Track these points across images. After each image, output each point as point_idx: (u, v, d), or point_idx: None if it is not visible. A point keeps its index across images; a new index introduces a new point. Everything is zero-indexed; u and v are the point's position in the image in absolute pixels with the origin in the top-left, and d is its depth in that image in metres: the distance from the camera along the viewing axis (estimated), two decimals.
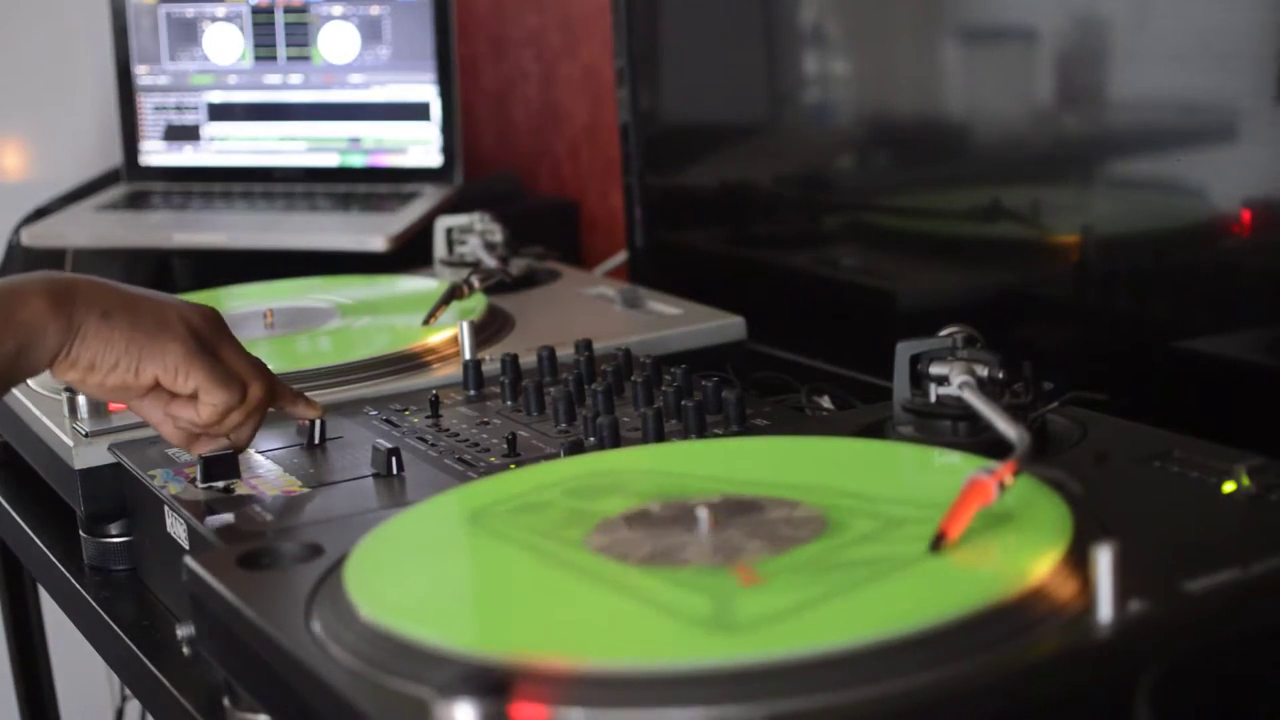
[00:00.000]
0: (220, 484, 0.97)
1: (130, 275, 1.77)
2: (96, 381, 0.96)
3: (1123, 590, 0.66)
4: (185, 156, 2.04)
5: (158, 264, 1.82)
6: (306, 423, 1.04)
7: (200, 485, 0.96)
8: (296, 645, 0.70)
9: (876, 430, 0.94)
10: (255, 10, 2.00)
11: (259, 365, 1.01)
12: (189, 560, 0.83)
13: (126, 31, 2.05)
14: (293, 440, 1.05)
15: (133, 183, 2.03)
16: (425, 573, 0.78)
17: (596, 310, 1.38)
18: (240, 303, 1.42)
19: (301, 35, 1.99)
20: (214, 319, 0.99)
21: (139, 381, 0.96)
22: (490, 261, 1.47)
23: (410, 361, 1.21)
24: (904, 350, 0.93)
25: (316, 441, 1.04)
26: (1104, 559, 0.65)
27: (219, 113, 2.03)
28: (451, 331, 1.24)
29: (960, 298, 1.39)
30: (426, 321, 1.28)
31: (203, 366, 0.96)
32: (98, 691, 2.10)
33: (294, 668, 0.70)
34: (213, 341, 0.98)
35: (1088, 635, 0.65)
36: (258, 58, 2.01)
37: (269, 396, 1.01)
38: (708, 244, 1.70)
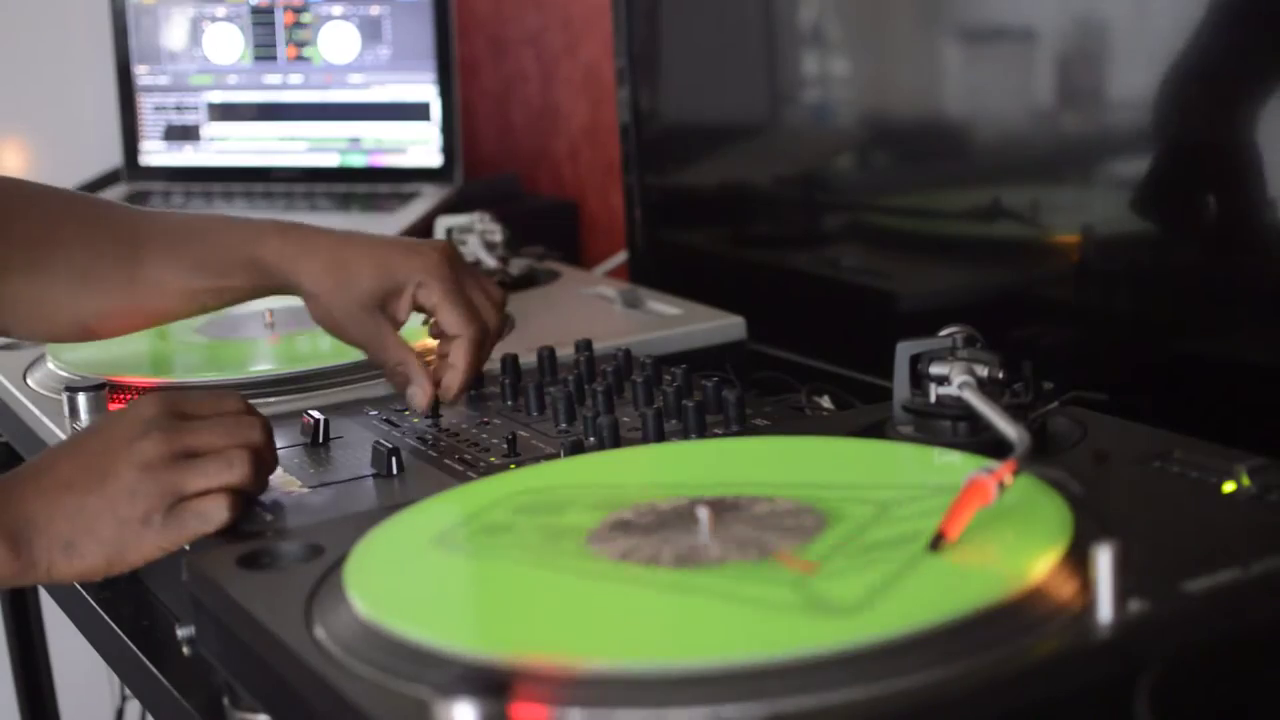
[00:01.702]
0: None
1: None
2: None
3: (1123, 590, 0.66)
4: (185, 156, 2.04)
5: None
6: (310, 421, 1.04)
7: None
8: (296, 645, 0.70)
9: (876, 430, 0.94)
10: (255, 10, 2.00)
11: (229, 455, 0.91)
12: (189, 560, 0.83)
13: (126, 31, 2.05)
14: (293, 440, 1.05)
15: (133, 183, 2.04)
16: (425, 573, 0.78)
17: (596, 310, 1.38)
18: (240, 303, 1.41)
19: (301, 35, 1.99)
20: (164, 460, 0.90)
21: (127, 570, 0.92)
22: (490, 261, 1.47)
23: None
24: (904, 350, 0.93)
25: (320, 440, 1.04)
26: (1104, 559, 0.65)
27: (219, 113, 2.03)
28: None
29: (960, 298, 1.39)
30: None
31: (179, 536, 0.90)
32: (98, 691, 2.11)
33: (294, 668, 0.70)
34: (179, 483, 0.90)
35: (1088, 635, 0.65)
36: (258, 58, 2.01)
37: (256, 461, 0.93)
38: (708, 244, 1.70)
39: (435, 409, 1.09)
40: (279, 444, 1.03)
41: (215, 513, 0.89)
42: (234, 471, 0.90)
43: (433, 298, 1.07)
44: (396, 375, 1.09)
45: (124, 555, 0.89)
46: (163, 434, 0.90)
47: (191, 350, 1.31)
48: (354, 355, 1.21)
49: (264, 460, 0.93)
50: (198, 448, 0.90)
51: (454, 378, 1.08)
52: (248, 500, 0.92)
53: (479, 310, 1.09)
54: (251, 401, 0.97)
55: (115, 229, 1.12)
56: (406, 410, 1.10)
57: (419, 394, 1.08)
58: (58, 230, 1.11)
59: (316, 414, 1.05)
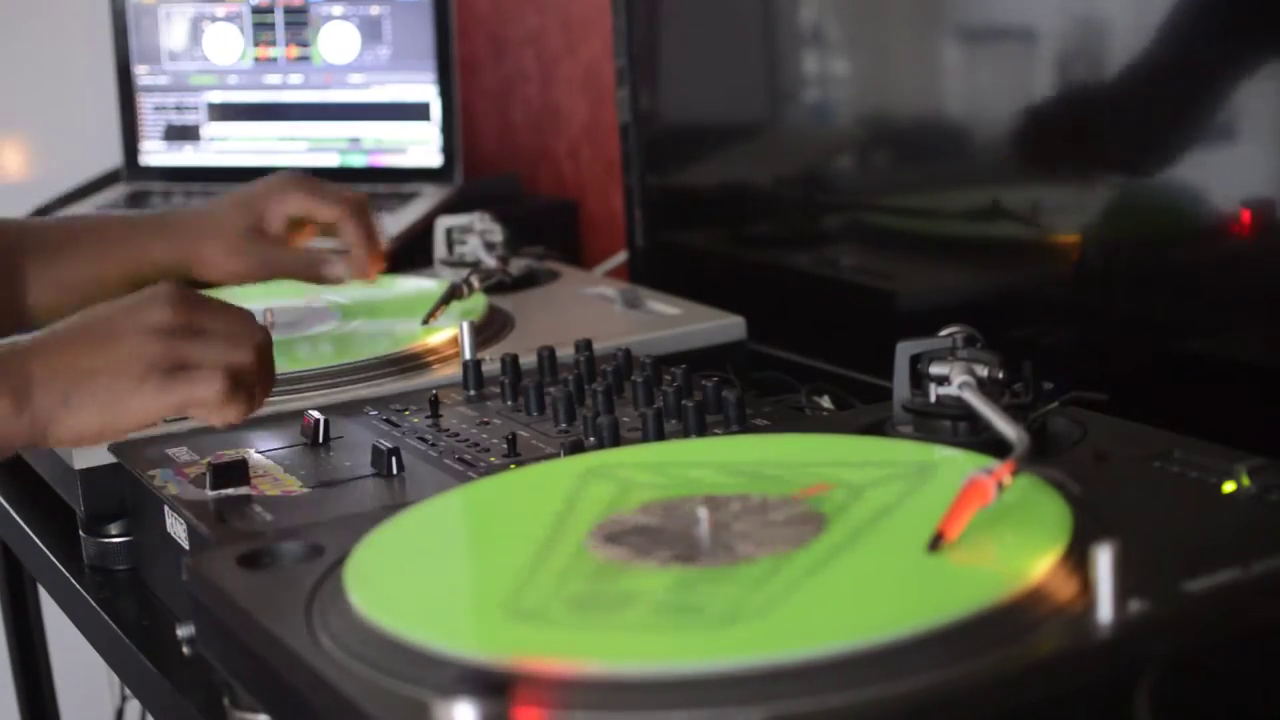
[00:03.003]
0: (230, 491, 0.96)
1: None
2: (91, 446, 0.97)
3: (1123, 590, 0.66)
4: (185, 156, 2.04)
5: None
6: (310, 421, 1.04)
7: (210, 492, 0.96)
8: (297, 645, 0.70)
9: (876, 430, 0.94)
10: (255, 10, 2.00)
11: (236, 337, 0.94)
12: (189, 560, 0.83)
13: (126, 31, 2.05)
14: (293, 440, 1.05)
15: (133, 183, 2.04)
16: (425, 573, 0.78)
17: (596, 310, 1.38)
18: (241, 303, 1.41)
19: (301, 35, 1.99)
20: (171, 327, 0.91)
21: (134, 432, 0.95)
22: (490, 261, 1.47)
23: (410, 362, 1.21)
24: (904, 350, 0.94)
25: (320, 440, 1.04)
26: (1104, 559, 0.65)
27: (219, 113, 2.03)
28: (451, 331, 1.24)
29: (960, 298, 1.39)
30: (426, 321, 1.28)
31: (173, 400, 0.91)
32: (98, 691, 2.11)
33: (294, 668, 0.70)
34: (180, 352, 0.91)
35: (1088, 635, 0.65)
36: (258, 58, 2.01)
37: (258, 357, 0.95)
38: (708, 244, 1.70)
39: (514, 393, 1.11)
40: (279, 445, 1.04)
41: (210, 384, 0.90)
42: (236, 353, 0.92)
43: (299, 202, 1.21)
44: (311, 269, 1.20)
45: (118, 414, 0.90)
46: (174, 307, 0.92)
47: None
48: (354, 356, 1.21)
49: (265, 365, 0.95)
50: (205, 326, 0.92)
51: (360, 252, 1.21)
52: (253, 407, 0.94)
53: (340, 191, 1.21)
54: None
55: (5, 238, 1.18)
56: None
57: (335, 267, 1.20)
58: None
59: (316, 414, 1.05)
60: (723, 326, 1.30)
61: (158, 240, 1.21)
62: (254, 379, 0.93)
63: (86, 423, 0.90)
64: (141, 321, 0.91)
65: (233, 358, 0.92)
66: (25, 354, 0.91)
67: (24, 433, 0.90)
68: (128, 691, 1.87)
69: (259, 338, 0.94)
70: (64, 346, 0.92)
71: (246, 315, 0.96)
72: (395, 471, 0.98)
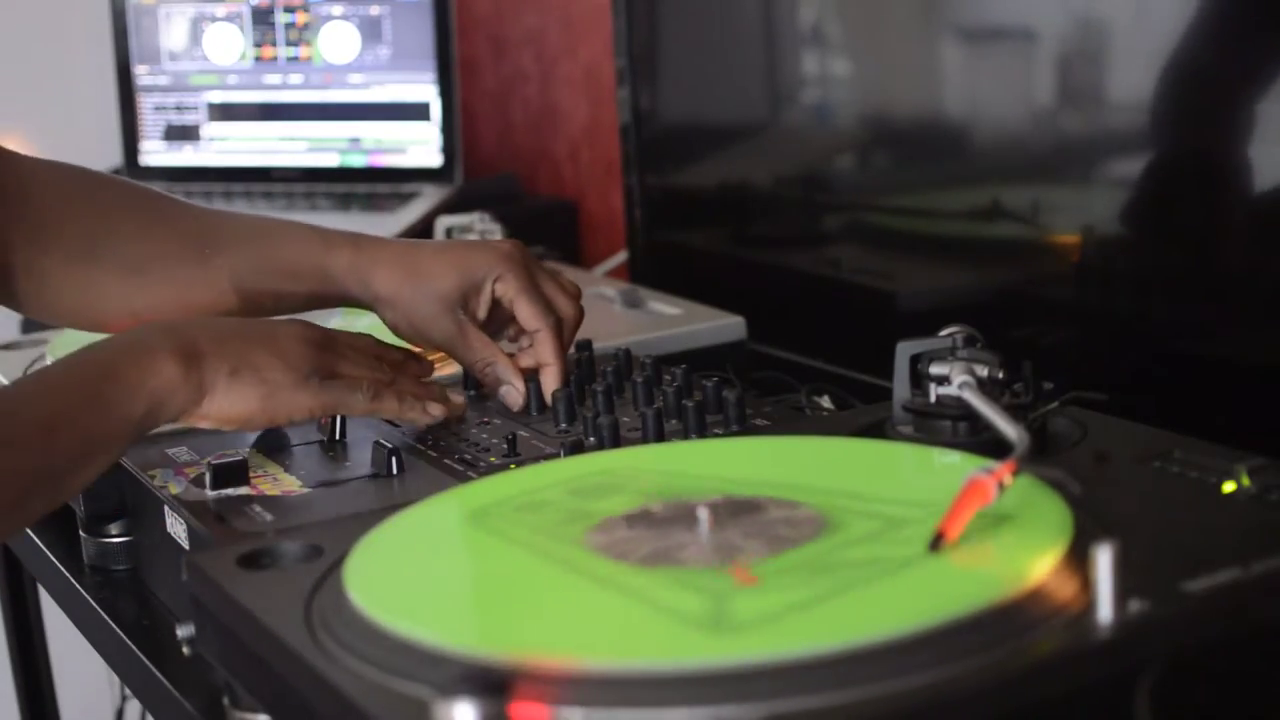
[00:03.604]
0: (230, 491, 0.96)
1: None
2: (229, 429, 0.99)
3: (1123, 590, 0.66)
4: (185, 156, 2.04)
5: None
6: (325, 420, 1.04)
7: (210, 492, 0.96)
8: (297, 645, 0.70)
9: (876, 430, 0.94)
10: (255, 10, 2.00)
11: (374, 356, 1.04)
12: (189, 560, 0.83)
13: (126, 31, 2.05)
14: (307, 437, 1.05)
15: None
16: (425, 573, 0.78)
17: (596, 310, 1.37)
18: None
19: (301, 35, 1.99)
20: (323, 342, 1.01)
21: (273, 424, 1.00)
22: None
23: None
24: (904, 350, 0.93)
25: (338, 437, 1.04)
26: (1104, 559, 0.65)
27: (219, 113, 2.03)
28: None
29: (960, 298, 1.39)
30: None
31: (329, 399, 0.99)
32: (98, 691, 2.10)
33: (294, 668, 0.70)
34: (331, 364, 1.00)
35: (1088, 635, 0.65)
36: (258, 58, 2.01)
37: (396, 371, 1.05)
38: (708, 244, 1.70)
39: (539, 408, 1.09)
40: (292, 440, 1.04)
41: (355, 392, 1.00)
42: (376, 367, 1.03)
43: (510, 290, 1.10)
44: (485, 375, 1.11)
45: (276, 400, 0.97)
46: (322, 331, 1.02)
47: None
48: None
49: (413, 378, 1.06)
50: (346, 354, 1.02)
51: (549, 374, 1.10)
52: (413, 405, 1.03)
53: (554, 301, 1.12)
54: None
55: (179, 224, 1.13)
56: (491, 401, 1.12)
57: (513, 392, 1.10)
58: (117, 221, 1.12)
59: (457, 397, 1.06)
60: (723, 326, 1.30)
61: (350, 277, 1.12)
62: (394, 388, 1.03)
63: (245, 401, 0.96)
64: (301, 333, 1.00)
65: (372, 372, 1.02)
66: (190, 325, 0.98)
67: (187, 397, 0.94)
68: (128, 691, 1.87)
69: (394, 357, 1.06)
70: (233, 333, 0.98)
71: (379, 343, 1.07)
72: (395, 471, 0.98)
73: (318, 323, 1.04)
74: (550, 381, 1.10)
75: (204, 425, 0.97)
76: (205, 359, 0.95)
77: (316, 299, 1.13)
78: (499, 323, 1.13)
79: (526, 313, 1.10)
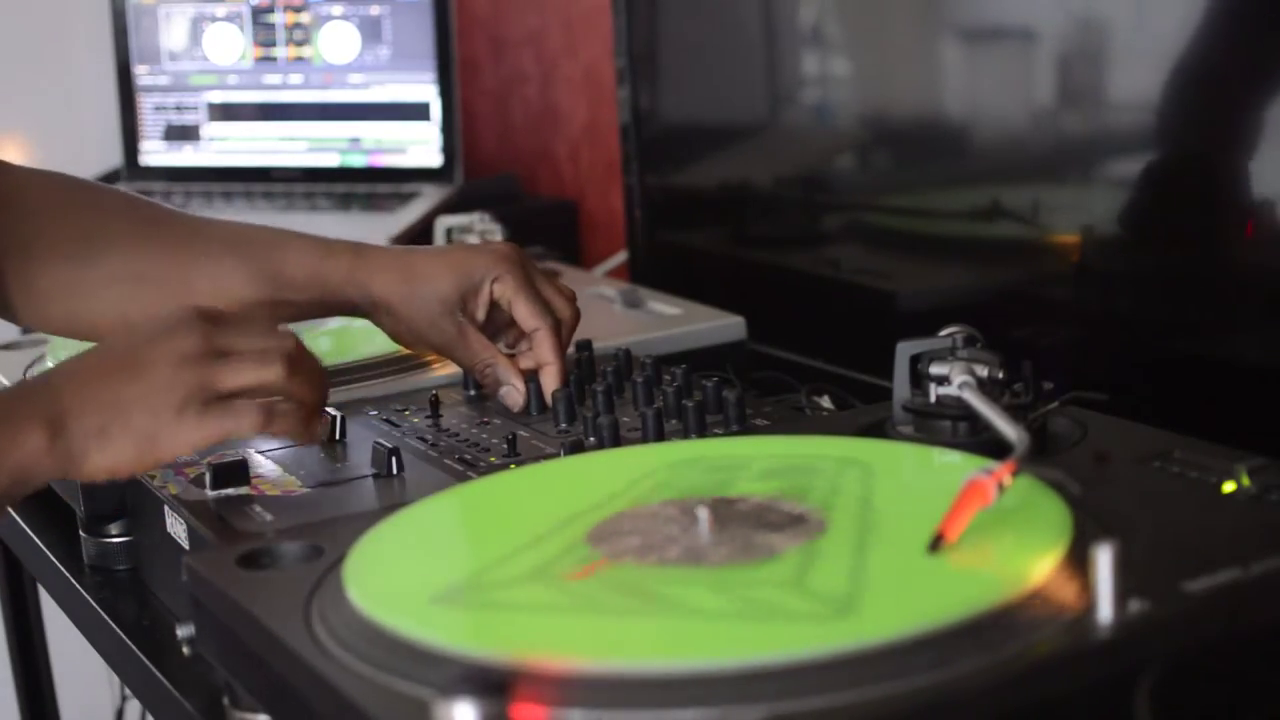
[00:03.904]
0: (230, 491, 0.96)
1: None
2: (120, 479, 0.93)
3: (1123, 590, 0.66)
4: (185, 156, 2.04)
5: None
6: (326, 419, 1.03)
7: (210, 492, 0.96)
8: (297, 645, 0.70)
9: (876, 430, 0.94)
10: (255, 10, 2.00)
11: (265, 356, 0.92)
12: (189, 560, 0.83)
13: (126, 31, 2.05)
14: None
15: (133, 183, 2.04)
16: (425, 573, 0.78)
17: (596, 310, 1.37)
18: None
19: (301, 35, 1.99)
20: (200, 355, 0.90)
21: (168, 464, 0.94)
22: None
23: (410, 361, 1.21)
24: (904, 350, 0.93)
25: (337, 438, 1.04)
26: (1104, 559, 0.65)
27: (219, 113, 2.03)
28: None
29: (960, 298, 1.39)
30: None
31: (212, 431, 0.90)
32: (98, 691, 2.11)
33: (294, 668, 0.70)
34: (212, 381, 0.90)
35: (1088, 635, 0.65)
36: (258, 58, 2.01)
37: (290, 373, 0.92)
38: (708, 244, 1.70)
39: (539, 408, 1.09)
40: (279, 445, 1.03)
41: (247, 412, 0.89)
42: (268, 370, 0.90)
43: (508, 290, 1.10)
44: (486, 376, 1.11)
45: (155, 446, 0.88)
46: (199, 333, 0.90)
47: None
48: (354, 355, 1.21)
49: (305, 367, 0.92)
50: (232, 348, 0.90)
51: (550, 374, 1.10)
52: (308, 417, 0.92)
53: (551, 302, 1.12)
54: None
55: (173, 232, 1.13)
56: (487, 397, 1.12)
57: (514, 393, 1.09)
58: (111, 229, 1.11)
59: (332, 411, 1.05)
60: (723, 326, 1.30)
61: (350, 284, 1.11)
62: (295, 392, 0.92)
63: (122, 456, 0.89)
64: (171, 350, 0.89)
65: (265, 377, 0.90)
66: (57, 384, 0.90)
67: (56, 466, 0.88)
68: (128, 691, 1.87)
69: (288, 347, 0.92)
70: (96, 377, 0.90)
71: (271, 328, 0.94)
72: (395, 471, 0.98)
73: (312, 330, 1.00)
74: (550, 381, 1.09)
75: (97, 480, 0.92)
76: (69, 422, 0.88)
77: (316, 307, 1.12)
78: (497, 326, 1.13)
79: (525, 312, 1.10)
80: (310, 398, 0.93)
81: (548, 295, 1.12)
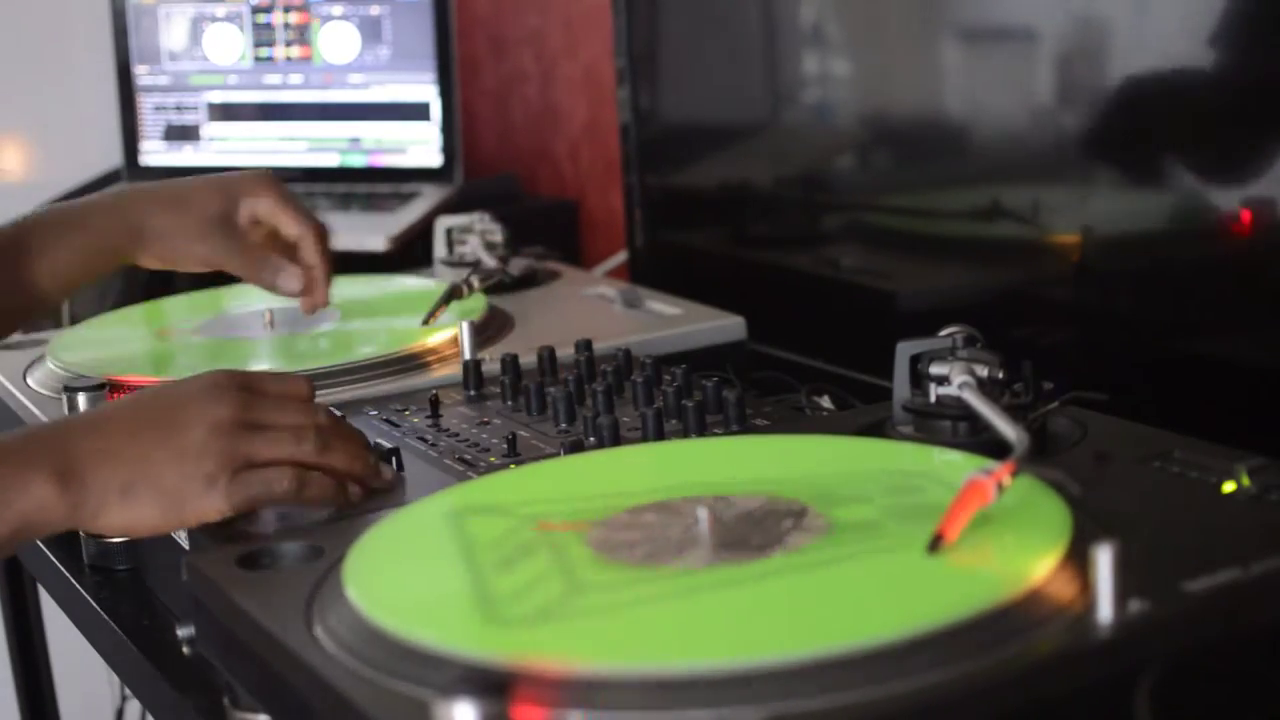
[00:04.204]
0: None
1: (132, 277, 1.77)
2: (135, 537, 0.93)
3: (1123, 590, 0.66)
4: (185, 156, 2.04)
5: None
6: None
7: None
8: (296, 645, 0.70)
9: (876, 430, 0.94)
10: (255, 10, 2.00)
11: (299, 425, 0.91)
12: (189, 560, 0.83)
13: (126, 31, 2.05)
14: None
15: (133, 182, 2.03)
16: (425, 572, 0.78)
17: (596, 310, 1.38)
18: (240, 303, 1.42)
19: (301, 35, 1.99)
20: (235, 424, 0.89)
21: (184, 528, 0.91)
22: (490, 261, 1.47)
23: (410, 361, 1.21)
24: (904, 350, 0.93)
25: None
26: (1104, 559, 0.65)
27: (219, 113, 2.03)
28: (451, 331, 1.24)
29: (960, 298, 1.39)
30: (426, 321, 1.28)
31: (242, 501, 0.88)
32: (98, 691, 2.10)
33: (294, 668, 0.70)
34: (245, 449, 0.89)
35: (1088, 635, 0.65)
36: (258, 58, 2.01)
37: (321, 444, 0.91)
38: (708, 244, 1.70)
39: (538, 408, 1.09)
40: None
41: (279, 479, 0.88)
42: (301, 447, 0.89)
43: (269, 205, 1.22)
44: (262, 272, 1.22)
45: (182, 510, 0.87)
46: (234, 401, 0.89)
47: (191, 350, 1.31)
48: (354, 355, 1.21)
49: (338, 442, 0.91)
50: (266, 421, 0.90)
51: (317, 275, 1.24)
52: (343, 484, 0.91)
53: (309, 209, 1.24)
54: None
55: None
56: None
57: (292, 279, 1.22)
58: None
59: (335, 411, 1.05)
60: (723, 326, 1.30)
61: (112, 217, 1.21)
62: (327, 464, 0.91)
63: (145, 515, 0.87)
64: (206, 416, 0.88)
65: (298, 453, 0.90)
66: (72, 433, 0.88)
67: (65, 517, 0.86)
68: (128, 691, 1.87)
69: (322, 422, 0.92)
70: (123, 432, 0.88)
71: (302, 399, 0.94)
72: (395, 471, 0.97)
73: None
74: (316, 280, 1.22)
75: (108, 535, 0.92)
76: (90, 475, 0.86)
77: (115, 264, 1.23)
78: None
79: (288, 220, 1.22)
80: (344, 466, 0.92)
81: (305, 207, 1.25)
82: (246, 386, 0.91)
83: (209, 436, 0.88)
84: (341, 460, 0.91)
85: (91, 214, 1.22)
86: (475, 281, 1.34)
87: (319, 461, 0.90)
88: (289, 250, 1.25)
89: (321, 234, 1.23)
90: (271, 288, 1.23)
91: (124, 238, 1.20)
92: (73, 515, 0.86)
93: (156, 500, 0.87)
